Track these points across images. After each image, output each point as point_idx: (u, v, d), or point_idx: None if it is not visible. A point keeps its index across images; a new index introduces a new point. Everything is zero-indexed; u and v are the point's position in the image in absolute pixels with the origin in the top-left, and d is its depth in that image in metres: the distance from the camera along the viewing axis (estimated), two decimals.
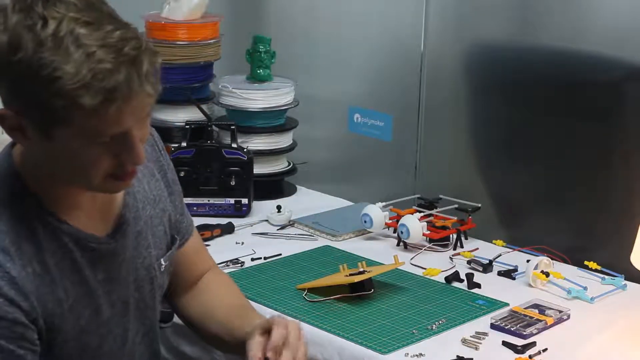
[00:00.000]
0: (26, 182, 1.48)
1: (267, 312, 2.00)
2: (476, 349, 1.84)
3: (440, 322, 1.95)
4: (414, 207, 2.48)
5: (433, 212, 2.44)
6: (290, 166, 2.81)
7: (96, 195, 1.53)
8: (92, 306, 1.54)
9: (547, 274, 2.12)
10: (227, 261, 2.25)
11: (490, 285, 2.13)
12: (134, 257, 1.61)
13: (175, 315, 1.97)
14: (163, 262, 1.69)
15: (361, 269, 2.08)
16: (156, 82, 1.39)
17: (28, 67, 1.32)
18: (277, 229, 2.48)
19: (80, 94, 1.32)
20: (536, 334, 1.90)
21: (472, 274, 2.16)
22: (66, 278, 1.49)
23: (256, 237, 2.43)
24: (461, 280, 2.16)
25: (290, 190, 2.79)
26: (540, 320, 1.94)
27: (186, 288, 1.82)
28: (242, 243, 2.38)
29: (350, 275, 2.06)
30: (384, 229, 2.42)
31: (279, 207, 2.54)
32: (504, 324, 1.92)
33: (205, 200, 2.55)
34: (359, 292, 2.04)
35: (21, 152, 1.50)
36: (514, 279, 2.18)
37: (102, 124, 1.36)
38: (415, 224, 2.31)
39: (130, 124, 1.39)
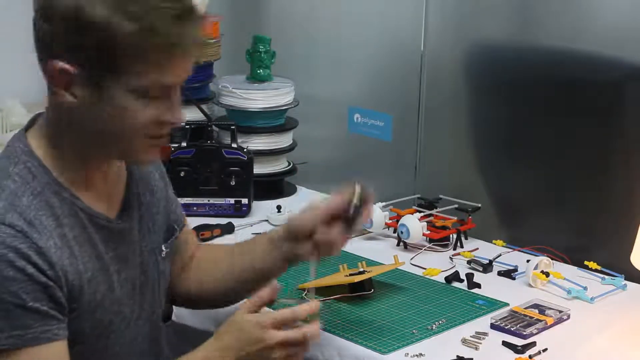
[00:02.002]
0: (42, 161, 1.53)
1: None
2: (476, 349, 1.84)
3: (440, 322, 1.95)
4: (414, 207, 2.48)
5: (433, 212, 2.44)
6: (290, 166, 2.81)
7: (106, 176, 1.61)
8: (106, 282, 1.58)
9: (547, 274, 2.12)
10: None
11: (490, 285, 2.13)
12: (139, 240, 1.68)
13: (173, 316, 1.98)
14: (164, 249, 1.74)
15: (361, 269, 2.08)
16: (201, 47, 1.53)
17: (92, 19, 1.42)
18: None
19: (144, 45, 1.43)
20: (536, 334, 1.90)
21: (472, 274, 2.16)
22: (84, 252, 1.54)
23: None
24: (461, 280, 2.16)
25: (290, 190, 2.79)
26: (540, 320, 1.94)
27: (180, 271, 1.87)
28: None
29: (350, 275, 2.06)
30: (384, 229, 2.42)
31: (279, 207, 2.54)
32: (504, 324, 1.92)
33: (205, 200, 2.55)
34: (359, 292, 2.04)
35: (40, 133, 1.56)
36: (514, 279, 2.18)
37: (158, 76, 1.46)
38: (415, 224, 2.31)
39: (178, 80, 1.50)
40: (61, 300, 1.49)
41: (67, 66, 1.46)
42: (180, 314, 2.11)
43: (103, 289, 1.57)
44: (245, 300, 1.71)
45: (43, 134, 1.56)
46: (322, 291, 2.01)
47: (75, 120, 1.52)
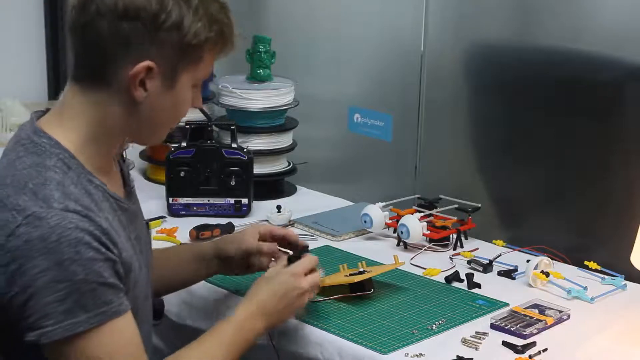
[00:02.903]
0: (72, 153, 1.60)
1: None
2: (476, 349, 1.84)
3: (440, 322, 1.95)
4: (414, 207, 2.48)
5: (433, 212, 2.44)
6: (290, 166, 2.81)
7: (114, 161, 1.72)
8: (137, 261, 1.67)
9: (547, 274, 2.12)
10: None
11: (490, 285, 2.13)
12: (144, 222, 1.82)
13: (174, 316, 1.98)
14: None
15: (361, 269, 2.08)
16: None
17: (173, 23, 1.57)
18: None
19: (210, 42, 1.62)
20: (536, 334, 1.90)
21: (472, 274, 2.16)
22: (121, 233, 1.62)
23: None
24: (461, 280, 2.16)
25: (290, 190, 2.79)
26: (540, 320, 1.94)
27: None
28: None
29: (351, 275, 2.06)
30: (384, 229, 2.42)
31: (279, 207, 2.54)
32: (504, 324, 1.92)
33: (205, 200, 2.55)
34: (358, 292, 2.04)
35: (63, 127, 1.61)
36: (514, 279, 2.18)
37: (209, 69, 1.67)
38: (415, 224, 2.31)
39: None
40: (122, 275, 1.59)
41: (152, 63, 1.57)
42: (180, 313, 2.11)
43: (136, 268, 1.65)
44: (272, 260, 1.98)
45: (69, 128, 1.62)
46: (322, 291, 2.01)
47: (129, 111, 1.61)
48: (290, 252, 1.98)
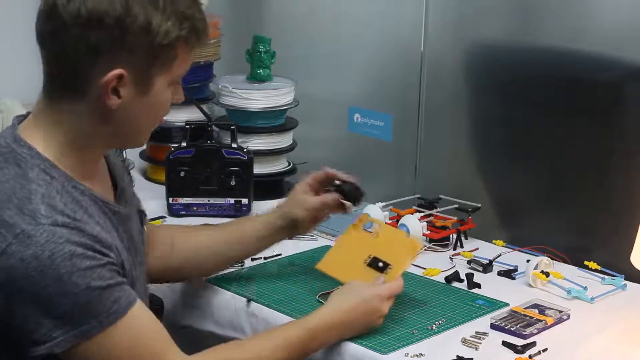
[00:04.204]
0: (53, 161, 1.58)
1: (267, 313, 2.00)
2: (476, 349, 1.84)
3: (440, 322, 1.95)
4: (414, 207, 2.48)
5: (433, 212, 2.44)
6: (290, 166, 2.81)
7: (101, 165, 1.70)
8: (132, 263, 1.67)
9: (547, 274, 2.12)
10: None
11: (490, 285, 2.13)
12: (136, 223, 1.79)
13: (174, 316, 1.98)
14: (144, 229, 1.84)
15: (381, 262, 1.99)
16: None
17: (140, 26, 1.52)
18: None
19: (182, 40, 1.57)
20: (536, 334, 1.90)
21: (472, 274, 2.16)
22: (114, 234, 1.63)
23: None
24: (461, 280, 2.16)
25: (290, 190, 2.78)
26: (540, 320, 1.94)
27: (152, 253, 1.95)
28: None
29: (369, 265, 2.01)
30: None
31: None
32: (504, 324, 1.92)
33: (205, 200, 2.55)
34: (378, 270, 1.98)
35: (40, 135, 1.59)
36: (514, 279, 2.18)
37: (186, 66, 1.62)
38: (415, 224, 2.31)
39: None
40: (122, 273, 1.61)
41: (122, 71, 1.54)
42: (180, 314, 2.11)
43: (130, 269, 1.66)
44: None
45: (46, 136, 1.59)
46: (338, 271, 2.00)
47: (104, 118, 1.58)
48: (350, 203, 2.05)
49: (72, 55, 1.53)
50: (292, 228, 2.05)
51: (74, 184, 1.58)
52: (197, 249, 2.03)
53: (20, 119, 1.65)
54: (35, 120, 1.62)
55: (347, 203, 2.05)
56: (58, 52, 1.55)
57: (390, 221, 2.40)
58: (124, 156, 1.90)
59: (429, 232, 2.34)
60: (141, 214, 1.86)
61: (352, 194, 2.05)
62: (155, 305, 1.96)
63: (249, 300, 2.03)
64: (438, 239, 2.35)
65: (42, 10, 1.56)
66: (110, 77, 1.54)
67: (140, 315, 1.59)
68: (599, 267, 2.21)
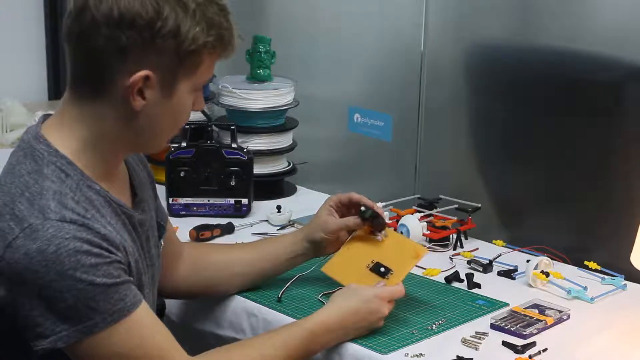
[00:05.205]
0: (70, 159, 1.59)
1: (267, 313, 2.00)
2: (476, 349, 1.84)
3: (440, 322, 1.95)
4: (414, 207, 2.48)
5: (433, 212, 2.44)
6: (290, 166, 2.81)
7: (121, 171, 1.71)
8: (142, 267, 1.68)
9: (547, 274, 2.12)
10: None
11: (490, 285, 2.13)
12: (152, 231, 1.78)
13: (174, 316, 1.98)
14: (161, 243, 1.84)
15: (383, 266, 1.99)
16: None
17: (170, 29, 1.54)
18: (277, 229, 2.48)
19: (209, 47, 1.59)
20: (536, 334, 1.90)
21: (472, 274, 2.16)
22: (126, 236, 1.63)
23: (256, 237, 2.42)
24: (461, 280, 2.16)
25: (290, 190, 2.79)
26: (540, 320, 1.94)
27: (166, 267, 1.93)
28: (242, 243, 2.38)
29: (370, 270, 2.01)
30: None
31: (279, 207, 2.54)
32: (504, 324, 1.92)
33: (205, 200, 2.55)
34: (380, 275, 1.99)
35: (61, 134, 1.60)
36: (514, 279, 2.18)
37: (209, 74, 1.65)
38: (415, 224, 2.31)
39: None
40: (129, 272, 1.61)
41: (149, 72, 1.55)
42: (180, 314, 2.11)
43: (140, 273, 1.66)
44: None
45: (67, 135, 1.61)
46: (342, 273, 2.00)
47: (127, 119, 1.59)
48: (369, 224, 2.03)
49: (100, 55, 1.55)
50: (317, 248, 2.05)
51: (89, 183, 1.59)
52: (227, 269, 2.04)
53: (46, 116, 1.67)
54: (59, 119, 1.63)
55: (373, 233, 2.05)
56: (87, 51, 1.56)
57: (390, 221, 2.40)
58: (148, 169, 1.89)
59: (429, 232, 2.34)
60: (161, 227, 1.85)
61: (375, 223, 2.04)
62: (157, 306, 1.96)
63: (279, 299, 2.04)
64: (438, 239, 2.35)
65: (72, 9, 1.57)
66: (137, 78, 1.55)
67: (145, 316, 1.60)
68: (599, 267, 2.21)
